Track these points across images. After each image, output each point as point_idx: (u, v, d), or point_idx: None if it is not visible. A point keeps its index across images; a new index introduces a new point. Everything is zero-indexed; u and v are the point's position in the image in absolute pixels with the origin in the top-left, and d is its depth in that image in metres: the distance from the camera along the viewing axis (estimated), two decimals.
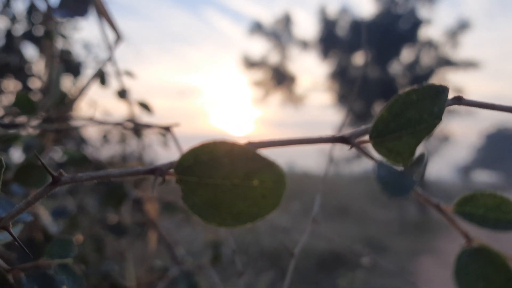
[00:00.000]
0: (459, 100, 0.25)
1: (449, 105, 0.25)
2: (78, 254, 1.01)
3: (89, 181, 0.24)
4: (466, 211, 0.24)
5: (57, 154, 1.03)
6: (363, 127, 0.24)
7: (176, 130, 0.61)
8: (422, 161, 0.23)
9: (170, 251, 1.01)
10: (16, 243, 0.44)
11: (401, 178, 0.21)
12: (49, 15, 0.64)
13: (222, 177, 0.23)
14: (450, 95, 0.24)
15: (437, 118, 0.23)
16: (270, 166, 0.22)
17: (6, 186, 0.64)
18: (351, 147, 0.23)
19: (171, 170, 0.23)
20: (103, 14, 0.65)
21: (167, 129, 0.58)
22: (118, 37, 0.68)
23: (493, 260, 0.22)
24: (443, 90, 0.23)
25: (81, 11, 0.60)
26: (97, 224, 1.12)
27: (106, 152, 1.37)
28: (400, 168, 0.23)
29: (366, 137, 0.23)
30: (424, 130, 0.23)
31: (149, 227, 1.05)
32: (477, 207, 0.24)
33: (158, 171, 0.23)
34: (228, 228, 0.23)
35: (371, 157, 0.24)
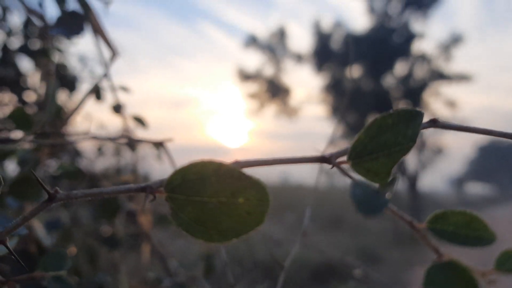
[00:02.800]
0: (434, 123, 0.26)
1: (424, 127, 0.26)
2: (72, 266, 1.01)
3: (84, 198, 0.25)
4: (438, 228, 0.25)
5: (52, 166, 1.03)
6: (342, 148, 0.25)
7: (172, 141, 0.62)
8: (394, 182, 0.24)
9: (163, 263, 1.01)
10: (11, 256, 0.44)
11: (374, 197, 0.22)
12: (45, 33, 0.66)
13: (209, 195, 0.24)
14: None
15: (412, 141, 0.24)
16: (255, 184, 0.23)
17: (1, 199, 0.65)
18: (332, 167, 0.25)
19: (161, 188, 0.24)
20: (99, 32, 0.66)
21: (160, 144, 0.59)
22: (114, 53, 0.70)
23: (461, 274, 0.23)
24: (417, 114, 0.24)
25: (77, 29, 0.61)
26: (91, 236, 1.12)
27: (100, 164, 1.38)
28: (374, 187, 0.25)
29: (345, 158, 0.25)
30: (399, 152, 0.24)
31: (142, 239, 1.06)
32: (447, 224, 0.25)
33: (148, 189, 0.24)
34: (215, 243, 0.24)
35: (350, 177, 0.25)
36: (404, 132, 0.24)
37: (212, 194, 0.24)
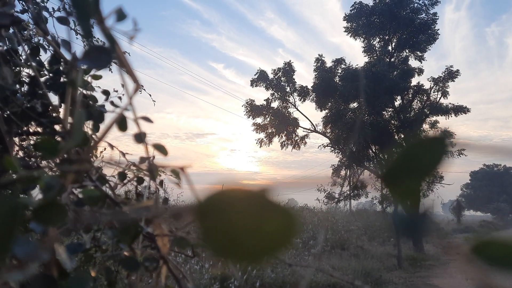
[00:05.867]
0: None
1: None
2: None
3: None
4: (485, 253, 0.23)
5: (76, 192, 1.01)
6: (376, 170, 0.25)
7: (191, 167, 0.60)
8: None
9: (179, 285, 0.97)
10: (30, 282, 0.41)
11: (416, 220, 0.22)
12: (73, 64, 0.65)
13: (238, 220, 0.23)
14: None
15: (438, 163, 0.25)
16: (282, 211, 0.23)
17: (25, 224, 0.62)
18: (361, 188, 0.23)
19: (192, 212, 0.23)
20: (124, 65, 0.65)
21: (181, 169, 0.57)
22: (137, 85, 0.69)
23: None
24: (442, 140, 0.25)
25: (104, 62, 0.60)
26: (110, 259, 1.08)
27: (121, 189, 1.36)
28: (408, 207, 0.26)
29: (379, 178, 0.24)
30: (427, 172, 0.25)
31: (160, 262, 1.02)
32: (495, 250, 0.23)
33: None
34: (245, 264, 0.23)
35: (387, 198, 0.24)
36: (431, 155, 0.25)
37: (241, 219, 0.23)
